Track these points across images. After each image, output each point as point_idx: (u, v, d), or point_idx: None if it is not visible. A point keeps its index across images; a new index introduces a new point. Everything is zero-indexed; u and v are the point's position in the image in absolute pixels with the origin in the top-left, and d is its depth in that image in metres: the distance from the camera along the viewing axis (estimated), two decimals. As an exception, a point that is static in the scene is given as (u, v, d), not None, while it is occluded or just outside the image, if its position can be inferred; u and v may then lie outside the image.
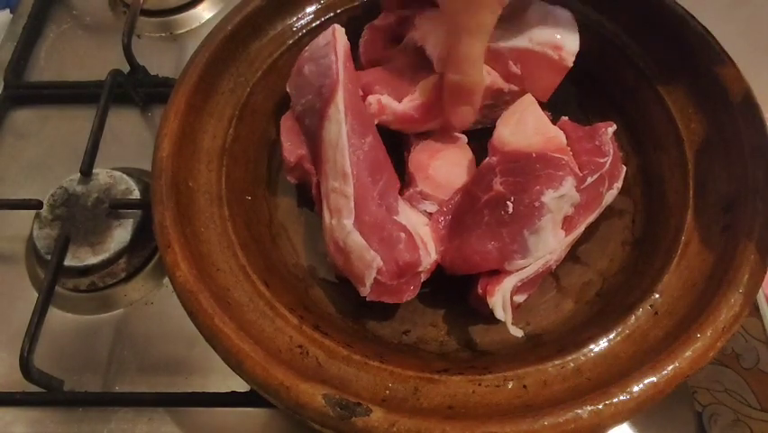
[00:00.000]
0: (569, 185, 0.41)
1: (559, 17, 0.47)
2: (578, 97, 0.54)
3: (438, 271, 0.44)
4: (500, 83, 0.48)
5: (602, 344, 0.39)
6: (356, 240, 0.41)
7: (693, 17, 0.49)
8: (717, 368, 0.51)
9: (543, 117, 0.44)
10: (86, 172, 0.56)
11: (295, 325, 0.40)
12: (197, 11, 0.71)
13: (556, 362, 0.39)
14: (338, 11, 0.55)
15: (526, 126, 0.44)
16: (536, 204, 0.41)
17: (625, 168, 0.47)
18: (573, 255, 0.47)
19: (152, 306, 0.54)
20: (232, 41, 0.51)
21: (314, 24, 0.54)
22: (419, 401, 0.37)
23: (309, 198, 0.48)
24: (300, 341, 0.40)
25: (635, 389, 0.35)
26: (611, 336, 0.40)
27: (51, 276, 0.50)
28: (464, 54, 0.43)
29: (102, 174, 0.57)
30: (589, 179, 0.43)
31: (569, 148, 0.43)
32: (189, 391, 0.49)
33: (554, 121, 0.45)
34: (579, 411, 0.34)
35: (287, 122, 0.48)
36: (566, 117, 0.47)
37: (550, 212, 0.41)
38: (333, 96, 0.43)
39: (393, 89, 0.48)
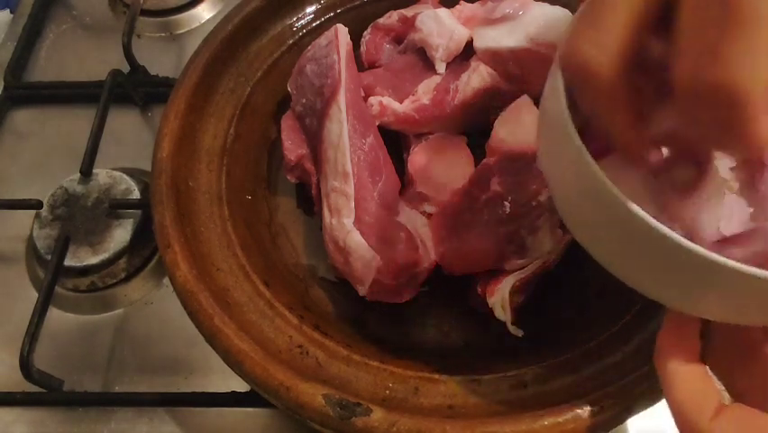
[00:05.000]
0: (568, 185, 0.41)
1: (559, 18, 0.47)
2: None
3: (437, 270, 0.44)
4: (501, 84, 0.48)
5: (602, 344, 0.39)
6: (356, 240, 0.41)
7: (693, 17, 0.48)
8: (717, 368, 0.51)
9: (541, 117, 0.44)
10: (86, 172, 0.56)
11: (295, 325, 0.40)
12: (197, 11, 0.71)
13: (556, 362, 0.39)
14: (338, 10, 0.55)
15: (524, 126, 0.44)
16: (534, 203, 0.41)
17: (624, 168, 0.47)
18: (572, 255, 0.47)
19: (152, 306, 0.54)
20: (232, 41, 0.51)
21: (314, 24, 0.54)
22: (419, 401, 0.37)
23: (309, 198, 0.48)
24: (300, 341, 0.40)
25: (636, 389, 0.35)
26: (611, 336, 0.40)
27: (51, 276, 0.50)
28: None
29: (102, 174, 0.57)
30: (589, 179, 0.43)
31: (567, 148, 0.43)
32: (189, 391, 0.49)
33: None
34: (579, 411, 0.34)
35: (287, 121, 0.48)
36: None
37: (547, 211, 0.41)
38: (334, 96, 0.43)
39: (394, 90, 0.48)
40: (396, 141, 0.49)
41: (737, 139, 0.19)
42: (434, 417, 0.35)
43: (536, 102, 0.46)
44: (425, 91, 0.48)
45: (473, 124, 0.51)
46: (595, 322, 0.42)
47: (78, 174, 0.56)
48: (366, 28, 0.52)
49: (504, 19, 0.48)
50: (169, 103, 0.47)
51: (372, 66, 0.52)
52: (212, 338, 0.38)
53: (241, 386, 0.48)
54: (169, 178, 0.44)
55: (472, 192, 0.44)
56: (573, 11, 0.48)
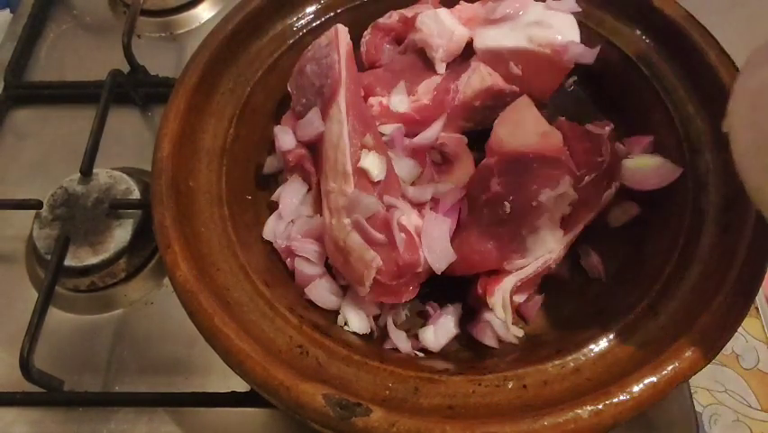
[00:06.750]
0: (566, 184, 0.41)
1: (559, 18, 0.47)
2: (577, 97, 0.54)
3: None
4: (501, 84, 0.48)
5: (602, 344, 0.39)
6: (356, 240, 0.41)
7: (693, 17, 0.49)
8: (717, 368, 0.51)
9: (539, 118, 0.44)
10: (86, 172, 0.56)
11: (295, 325, 0.41)
12: (197, 11, 0.71)
13: (556, 362, 0.39)
14: (338, 10, 0.55)
15: (524, 127, 0.44)
16: (534, 203, 0.41)
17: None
18: (573, 255, 0.47)
19: (152, 306, 0.54)
20: (232, 41, 0.51)
21: (314, 24, 0.54)
22: (419, 401, 0.37)
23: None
24: (300, 341, 0.40)
25: (635, 389, 0.35)
26: (611, 336, 0.40)
27: (51, 276, 0.50)
28: None
29: (102, 174, 0.57)
30: (587, 178, 0.44)
31: (566, 147, 0.43)
32: (189, 391, 0.49)
33: (551, 121, 0.45)
34: (579, 411, 0.34)
35: (287, 121, 0.48)
36: (563, 117, 0.47)
37: (548, 211, 0.41)
38: (334, 96, 0.43)
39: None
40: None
41: None
42: (434, 417, 0.35)
43: (536, 102, 0.46)
44: (424, 91, 0.48)
45: (473, 124, 0.51)
46: (595, 322, 0.42)
47: (78, 174, 0.56)
48: (366, 28, 0.52)
49: (504, 19, 0.48)
50: (169, 103, 0.47)
51: (372, 66, 0.52)
52: (212, 338, 0.38)
53: (241, 386, 0.48)
54: (169, 178, 0.44)
55: (473, 192, 0.44)
56: (574, 12, 0.48)
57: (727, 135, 0.37)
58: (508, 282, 0.42)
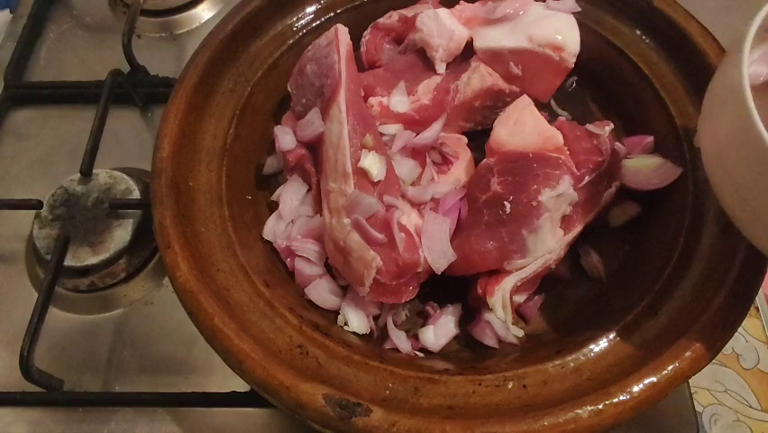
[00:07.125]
0: (566, 184, 0.41)
1: (559, 18, 0.47)
2: (577, 97, 0.54)
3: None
4: (501, 84, 0.48)
5: (602, 344, 0.39)
6: (356, 240, 0.41)
7: (693, 17, 0.49)
8: (718, 368, 0.51)
9: (539, 118, 0.44)
10: (86, 172, 0.56)
11: (295, 325, 0.41)
12: (197, 11, 0.71)
13: (556, 362, 0.39)
14: (338, 10, 0.55)
15: (524, 127, 0.44)
16: (534, 203, 0.41)
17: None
18: (573, 255, 0.47)
19: (152, 306, 0.54)
20: (232, 41, 0.51)
21: (314, 24, 0.54)
22: (419, 401, 0.37)
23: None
24: (300, 341, 0.40)
25: (635, 389, 0.35)
26: (611, 336, 0.40)
27: (51, 276, 0.50)
28: None
29: (102, 174, 0.57)
30: (587, 178, 0.44)
31: (566, 147, 0.43)
32: (189, 391, 0.49)
33: (551, 121, 0.45)
34: (579, 411, 0.34)
35: (287, 121, 0.48)
36: (563, 117, 0.47)
37: (548, 211, 0.41)
38: (334, 96, 0.43)
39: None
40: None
41: None
42: (434, 417, 0.35)
43: (536, 102, 0.46)
44: (424, 91, 0.48)
45: (473, 124, 0.51)
46: (595, 322, 0.42)
47: (78, 174, 0.56)
48: (366, 28, 0.53)
49: (504, 19, 0.48)
50: (169, 103, 0.47)
51: (372, 66, 0.52)
52: (212, 338, 0.38)
53: (241, 386, 0.48)
54: (169, 178, 0.44)
55: (472, 192, 0.44)
56: (573, 11, 0.48)
57: (699, 151, 0.38)
58: (508, 282, 0.42)
